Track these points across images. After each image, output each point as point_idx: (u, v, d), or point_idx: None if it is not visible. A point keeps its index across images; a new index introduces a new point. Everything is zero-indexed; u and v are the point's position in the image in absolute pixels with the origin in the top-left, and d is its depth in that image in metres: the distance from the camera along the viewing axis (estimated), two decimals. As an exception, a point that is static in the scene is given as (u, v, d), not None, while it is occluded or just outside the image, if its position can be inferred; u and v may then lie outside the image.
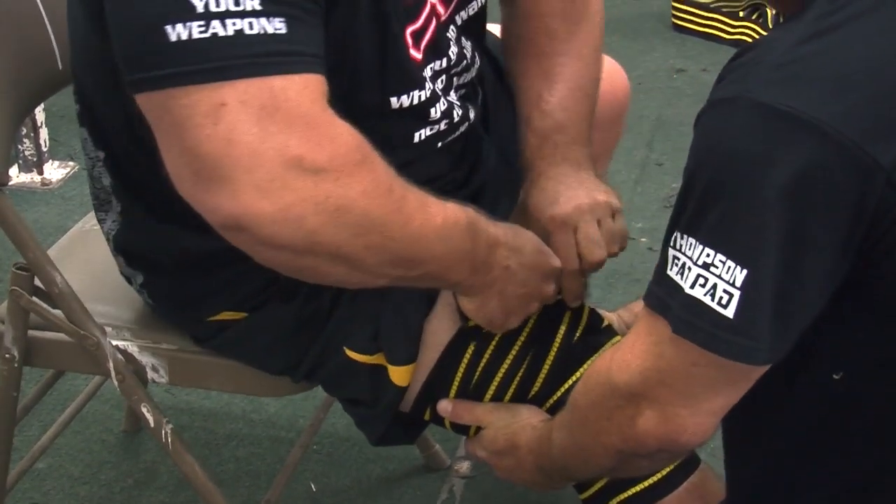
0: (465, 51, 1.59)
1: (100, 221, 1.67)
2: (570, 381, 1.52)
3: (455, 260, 1.42)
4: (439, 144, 1.57)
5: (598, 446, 1.33)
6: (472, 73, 1.64)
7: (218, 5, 1.23)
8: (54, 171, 3.21)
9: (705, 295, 1.16)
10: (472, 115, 1.62)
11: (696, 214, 1.17)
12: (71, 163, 3.24)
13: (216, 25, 1.24)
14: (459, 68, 1.59)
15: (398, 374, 1.55)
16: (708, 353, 1.18)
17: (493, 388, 1.55)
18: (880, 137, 1.11)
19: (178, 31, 1.23)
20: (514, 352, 1.54)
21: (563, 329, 1.56)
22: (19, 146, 3.14)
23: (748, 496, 1.43)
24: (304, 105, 1.27)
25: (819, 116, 1.11)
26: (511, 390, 1.54)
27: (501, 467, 1.55)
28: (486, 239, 1.45)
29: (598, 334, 1.56)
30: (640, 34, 3.92)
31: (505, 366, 1.54)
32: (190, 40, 1.24)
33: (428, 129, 1.54)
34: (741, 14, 3.89)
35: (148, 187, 1.46)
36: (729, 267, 1.15)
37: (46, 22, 1.68)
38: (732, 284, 1.14)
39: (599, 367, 1.32)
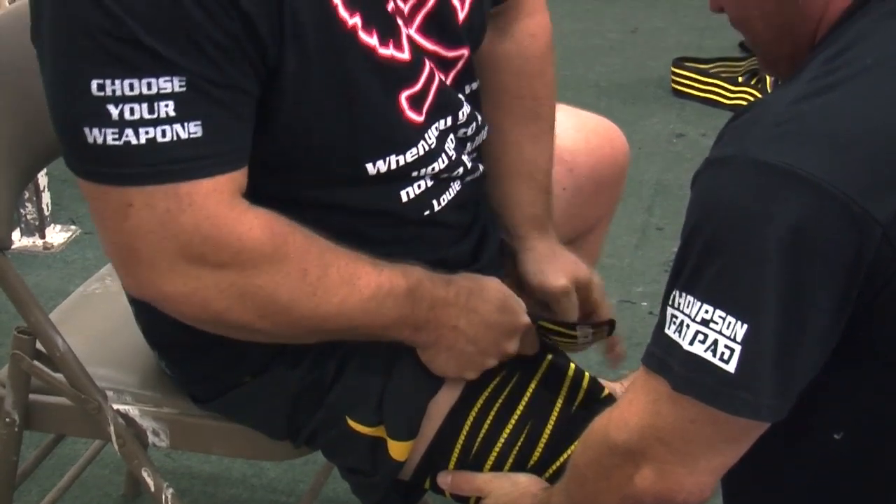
0: (473, 116, 1.60)
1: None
2: (569, 450, 1.51)
3: (390, 323, 1.47)
4: (435, 205, 1.56)
5: None
6: (482, 136, 1.65)
7: (132, 113, 1.29)
8: (56, 235, 3.21)
9: (706, 351, 1.16)
10: (479, 171, 1.63)
11: (694, 272, 1.18)
12: (73, 227, 3.24)
13: (129, 134, 1.30)
14: (471, 129, 1.60)
15: (397, 449, 1.54)
16: (707, 410, 1.18)
17: (492, 457, 1.54)
18: (876, 193, 1.12)
19: (94, 135, 1.30)
20: (513, 421, 1.54)
21: (561, 398, 1.56)
22: (22, 210, 3.15)
23: None
24: (210, 208, 1.34)
25: (816, 173, 1.12)
26: (511, 459, 1.54)
27: (501, 535, 1.54)
28: (431, 301, 1.48)
29: (597, 403, 1.55)
30: (640, 99, 3.94)
31: (504, 435, 1.54)
32: (104, 146, 1.30)
33: (413, 185, 1.53)
34: (740, 79, 3.91)
35: None
36: (729, 322, 1.15)
37: (51, 87, 1.69)
38: (733, 339, 1.15)
39: (597, 426, 1.32)
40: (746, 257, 1.14)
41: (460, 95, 1.57)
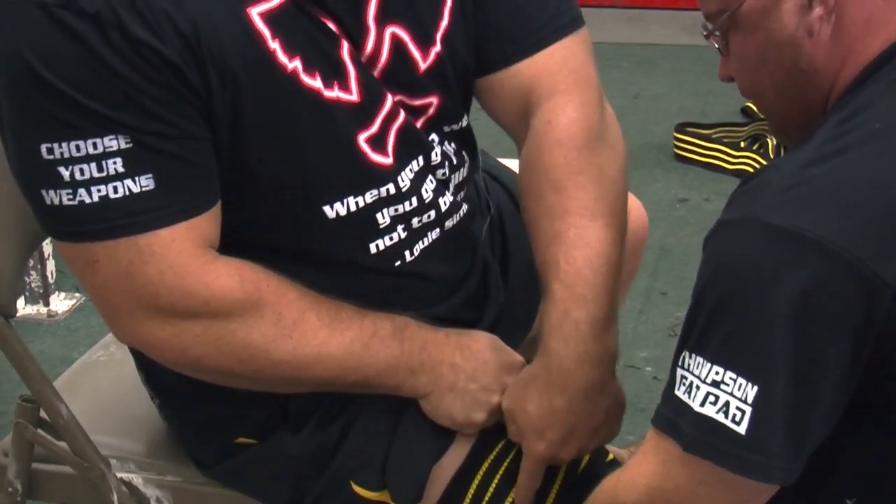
0: (448, 154, 1.57)
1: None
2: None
3: (382, 367, 1.47)
4: (406, 255, 1.55)
5: None
6: (462, 173, 1.61)
7: (82, 174, 1.32)
8: (60, 303, 3.22)
9: (717, 412, 1.16)
10: (462, 210, 1.60)
11: (704, 333, 1.18)
12: (77, 294, 3.24)
13: (82, 193, 1.33)
14: (446, 169, 1.58)
15: (401, 515, 1.54)
16: (717, 472, 1.18)
17: (498, 522, 1.54)
18: (886, 256, 1.13)
19: (51, 197, 1.34)
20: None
21: (563, 466, 1.55)
22: (26, 278, 3.16)
23: None
24: (171, 258, 1.37)
25: (825, 235, 1.13)
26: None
27: None
28: (421, 341, 1.49)
29: (602, 467, 1.54)
30: (642, 164, 3.95)
31: (510, 499, 1.53)
32: (61, 206, 1.34)
33: (384, 238, 1.52)
34: (742, 144, 3.92)
35: None
36: (740, 384, 1.15)
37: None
38: (744, 401, 1.15)
39: (606, 487, 1.32)
40: (757, 319, 1.15)
41: (433, 136, 1.55)
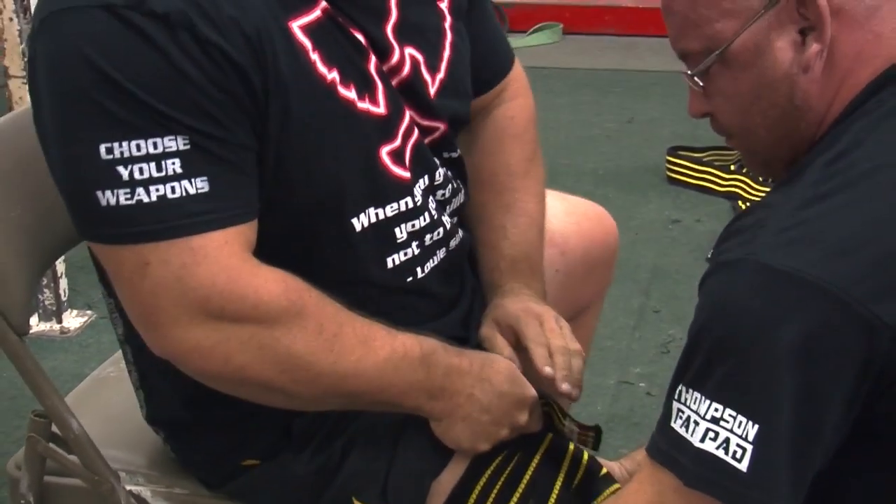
0: (449, 179, 1.62)
1: (129, 372, 1.69)
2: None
3: (405, 389, 1.46)
4: (418, 272, 1.57)
5: None
6: (459, 198, 1.66)
7: (142, 173, 1.30)
8: (73, 320, 3.22)
9: (717, 448, 1.15)
10: (459, 235, 1.64)
11: (702, 370, 1.17)
12: (89, 311, 3.25)
13: (141, 192, 1.31)
14: (448, 192, 1.61)
15: (403, 530, 1.53)
16: (706, 502, 1.17)
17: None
18: (884, 297, 1.12)
19: (107, 198, 1.31)
20: (514, 499, 1.53)
21: (561, 477, 1.55)
22: (39, 296, 3.16)
23: None
24: (223, 260, 1.34)
25: (823, 277, 1.12)
26: (513, 536, 1.53)
27: None
28: (446, 369, 1.48)
29: (596, 482, 1.54)
30: (636, 187, 3.96)
31: (508, 511, 1.53)
32: (118, 206, 1.31)
33: (400, 252, 1.54)
34: (732, 167, 3.93)
35: None
36: (740, 422, 1.14)
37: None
38: (745, 439, 1.14)
39: None
40: (758, 360, 1.14)
41: (436, 158, 1.58)
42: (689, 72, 1.32)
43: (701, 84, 1.32)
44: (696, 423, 1.17)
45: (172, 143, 1.31)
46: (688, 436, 1.17)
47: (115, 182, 1.31)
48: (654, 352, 3.06)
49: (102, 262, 1.40)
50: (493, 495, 1.53)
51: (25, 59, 2.95)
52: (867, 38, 1.25)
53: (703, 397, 1.16)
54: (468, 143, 1.76)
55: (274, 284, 1.38)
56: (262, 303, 1.36)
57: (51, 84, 1.33)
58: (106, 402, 1.84)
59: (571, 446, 1.59)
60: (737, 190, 3.81)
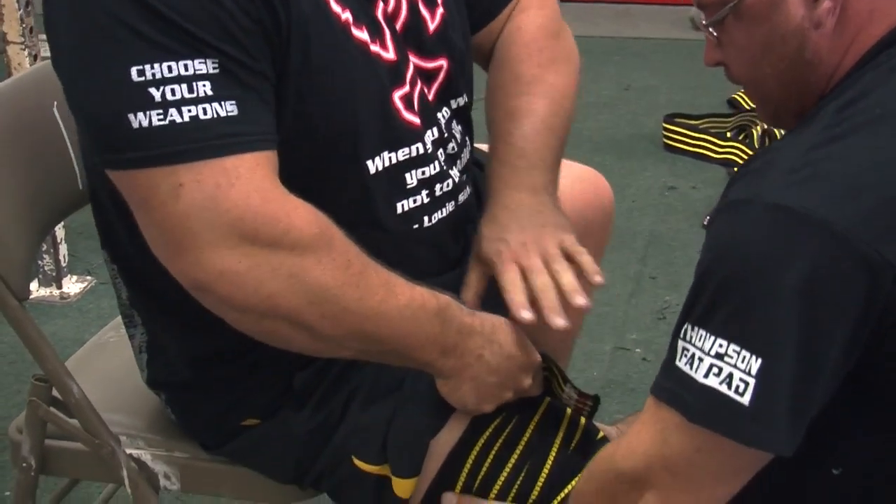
0: (454, 133, 1.62)
1: (130, 338, 1.69)
2: (567, 488, 1.50)
3: (421, 341, 1.45)
4: (425, 220, 1.57)
5: None
6: (466, 154, 1.66)
7: (174, 94, 1.30)
8: (72, 286, 3.22)
9: (721, 384, 1.17)
10: (467, 191, 1.65)
11: (708, 308, 1.19)
12: (88, 277, 3.25)
13: (173, 113, 1.30)
14: (454, 146, 1.61)
15: (401, 487, 1.53)
16: (716, 440, 1.19)
17: (493, 494, 1.53)
18: (889, 237, 1.14)
19: (139, 120, 1.30)
20: (513, 460, 1.53)
21: (559, 440, 1.55)
22: (39, 261, 3.16)
23: None
24: (256, 181, 1.33)
25: (830, 217, 1.13)
26: (510, 497, 1.53)
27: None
28: (459, 326, 1.47)
29: (593, 444, 1.55)
30: (633, 155, 3.96)
31: (504, 473, 1.53)
32: (151, 127, 1.30)
33: (409, 198, 1.55)
34: (728, 135, 3.93)
35: (157, 291, 1.46)
36: (744, 357, 1.16)
37: (69, 144, 1.70)
38: (748, 373, 1.16)
39: (604, 455, 1.32)
40: (763, 297, 1.15)
41: (444, 110, 1.59)
42: (704, 21, 1.34)
43: (715, 34, 1.33)
44: (701, 360, 1.18)
45: (203, 66, 1.31)
46: (692, 373, 1.19)
47: (148, 103, 1.30)
48: (651, 318, 3.06)
49: (130, 193, 1.37)
50: (491, 455, 1.54)
51: (23, 26, 2.95)
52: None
53: (708, 334, 1.18)
54: (486, 57, 1.77)
55: (305, 211, 1.37)
56: (295, 228, 1.35)
57: (75, 11, 1.33)
58: (106, 367, 1.84)
59: (569, 412, 1.60)
60: (733, 157, 3.81)
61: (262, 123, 1.36)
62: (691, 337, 1.20)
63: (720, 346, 1.17)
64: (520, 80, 1.73)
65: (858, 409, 1.22)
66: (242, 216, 1.33)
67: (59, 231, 3.16)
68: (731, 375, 1.17)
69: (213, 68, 1.31)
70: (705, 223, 3.42)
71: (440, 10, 1.58)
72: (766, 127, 3.91)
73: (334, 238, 1.38)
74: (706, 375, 1.18)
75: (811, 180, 1.16)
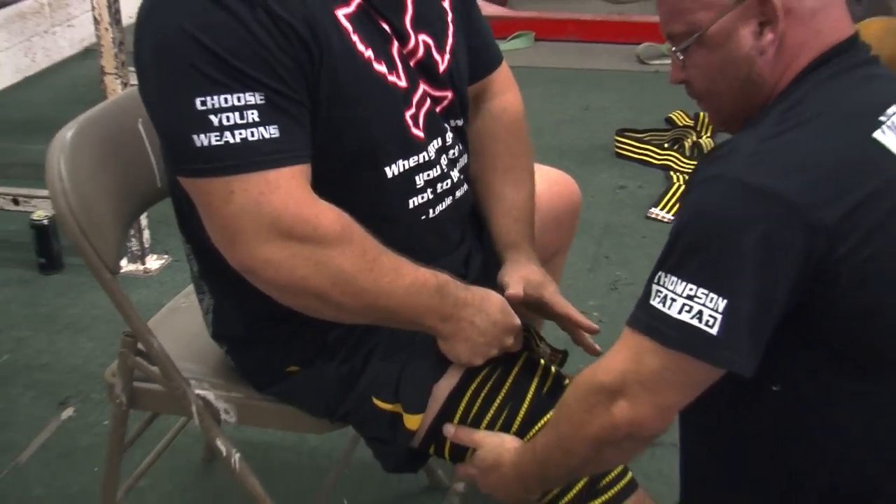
0: (456, 142, 1.61)
1: (200, 302, 1.68)
2: (540, 423, 1.50)
3: (424, 311, 1.46)
4: (430, 212, 1.56)
5: (577, 438, 1.32)
6: (464, 159, 1.64)
7: (228, 120, 1.31)
8: (153, 263, 3.21)
9: (692, 318, 1.18)
10: (465, 188, 1.64)
11: (681, 259, 1.19)
12: (166, 256, 3.24)
13: (228, 135, 1.31)
14: (455, 152, 1.60)
15: (410, 421, 1.54)
16: (682, 359, 1.20)
17: (483, 426, 1.54)
18: (824, 206, 1.16)
19: (201, 140, 1.31)
20: (498, 401, 1.53)
21: (534, 385, 1.55)
22: (127, 244, 3.15)
23: (698, 484, 1.42)
24: (292, 190, 1.34)
25: (781, 188, 1.15)
26: (496, 428, 1.53)
27: (486, 482, 1.52)
28: (454, 299, 1.48)
29: (562, 388, 1.55)
30: (589, 160, 3.94)
31: (491, 411, 1.53)
32: (210, 146, 1.32)
33: (418, 196, 1.54)
34: (665, 145, 3.92)
35: (222, 266, 1.47)
36: (712, 298, 1.17)
37: (150, 152, 1.71)
38: (716, 311, 1.16)
39: (586, 373, 1.31)
40: (728, 251, 1.16)
41: (446, 124, 1.58)
42: (673, 48, 1.34)
43: (681, 58, 1.33)
44: (674, 300, 1.19)
45: (252, 98, 1.31)
46: (666, 310, 1.19)
47: (208, 127, 1.31)
48: (605, 289, 3.05)
49: (194, 195, 1.39)
50: (480, 397, 1.54)
51: (119, 60, 2.94)
52: (809, 32, 1.27)
53: (680, 280, 1.19)
54: (474, 134, 1.74)
55: (330, 213, 1.37)
56: (322, 226, 1.36)
57: (157, 56, 1.34)
58: (179, 326, 1.84)
59: (542, 361, 1.59)
60: (669, 162, 3.80)
61: (298, 142, 1.36)
62: (664, 282, 1.20)
63: (690, 289, 1.18)
64: (511, 155, 1.76)
65: (796, 335, 1.22)
66: (280, 217, 1.33)
67: (143, 219, 3.14)
68: (700, 312, 1.17)
69: (260, 100, 1.31)
70: (648, 214, 3.42)
71: (447, 57, 1.57)
72: (694, 139, 3.91)
73: (354, 233, 1.38)
74: (679, 312, 1.18)
75: (765, 162, 1.18)
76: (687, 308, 1.18)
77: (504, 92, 1.78)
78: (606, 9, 5.47)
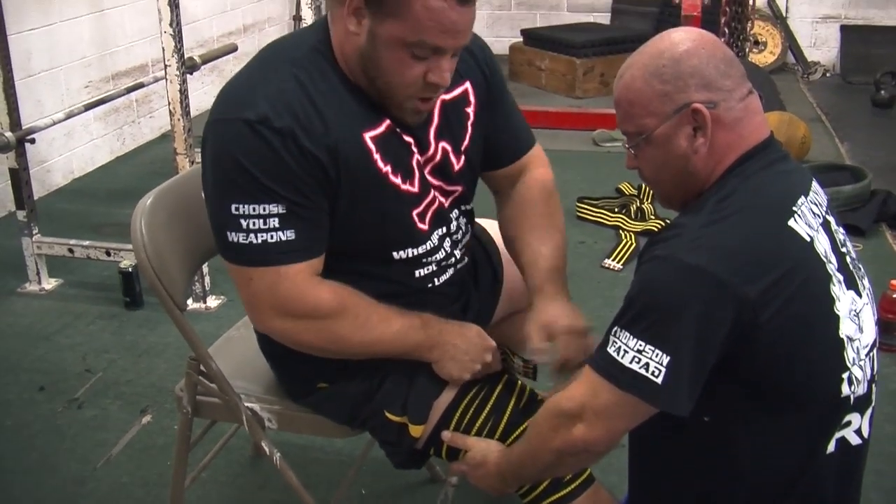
0: (461, 225, 1.59)
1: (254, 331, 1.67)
2: (517, 431, 1.49)
3: (413, 346, 1.46)
4: (436, 281, 1.54)
5: (545, 449, 1.31)
6: (466, 238, 1.62)
7: (254, 224, 1.33)
8: (213, 302, 3.19)
9: (640, 368, 1.17)
10: (465, 261, 1.61)
11: (634, 320, 1.18)
12: (223, 297, 3.22)
13: (252, 237, 1.34)
14: (459, 235, 1.58)
15: (414, 430, 1.53)
16: (629, 399, 1.18)
17: (472, 434, 1.53)
18: (749, 283, 1.15)
19: (232, 237, 1.35)
20: (483, 414, 1.53)
21: (513, 402, 1.55)
22: (192, 287, 3.14)
23: (642, 487, 1.41)
24: (298, 281, 1.37)
25: (715, 269, 1.15)
26: (483, 435, 1.52)
27: (474, 476, 1.51)
28: (438, 329, 1.48)
29: (536, 404, 1.54)
30: (557, 222, 3.94)
31: (479, 422, 1.53)
32: (238, 243, 1.34)
33: (424, 269, 1.52)
34: (616, 210, 3.93)
35: None
36: (657, 353, 1.16)
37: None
38: (661, 364, 1.16)
39: (553, 399, 1.31)
40: (672, 319, 1.15)
41: (454, 213, 1.55)
42: (626, 144, 1.34)
43: (633, 152, 1.33)
44: (626, 351, 1.18)
45: (275, 208, 1.32)
46: (619, 358, 1.18)
47: (238, 228, 1.33)
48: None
49: (229, 273, 1.41)
50: (471, 410, 1.54)
51: (188, 143, 2.95)
52: (733, 136, 1.27)
53: (632, 336, 1.18)
54: (505, 201, 1.66)
55: (327, 293, 1.39)
56: (320, 305, 1.38)
57: (211, 163, 1.35)
58: (233, 352, 1.83)
59: (519, 384, 1.58)
60: (618, 223, 3.81)
61: (311, 242, 1.37)
62: (620, 336, 1.19)
63: (640, 345, 1.17)
64: (544, 216, 1.64)
65: (724, 376, 1.21)
66: (287, 301, 1.36)
67: (205, 268, 3.14)
68: (648, 364, 1.16)
69: (282, 210, 1.32)
70: (602, 264, 3.41)
71: (462, 158, 1.53)
72: (638, 205, 3.92)
73: (347, 304, 1.40)
74: (630, 362, 1.17)
75: (703, 246, 1.17)
76: (636, 359, 1.17)
77: (539, 167, 1.69)
78: (568, 103, 5.54)
